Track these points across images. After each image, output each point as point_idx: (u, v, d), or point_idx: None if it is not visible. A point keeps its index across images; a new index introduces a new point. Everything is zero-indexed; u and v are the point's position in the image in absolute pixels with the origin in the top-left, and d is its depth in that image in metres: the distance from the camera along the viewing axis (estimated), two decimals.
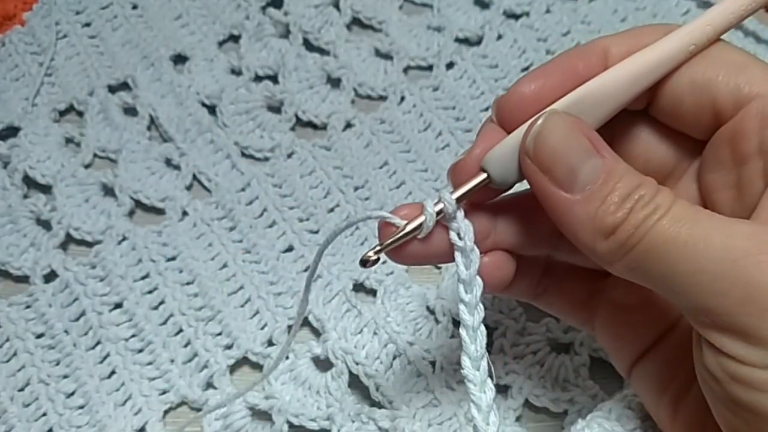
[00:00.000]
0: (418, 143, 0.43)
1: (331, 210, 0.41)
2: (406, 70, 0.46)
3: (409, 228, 0.26)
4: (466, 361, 0.26)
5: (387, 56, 0.46)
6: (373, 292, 0.38)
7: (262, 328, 0.37)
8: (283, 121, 0.44)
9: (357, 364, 0.36)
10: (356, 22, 0.48)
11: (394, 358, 0.36)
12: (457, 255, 0.27)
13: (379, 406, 0.35)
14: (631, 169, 0.24)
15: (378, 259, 0.26)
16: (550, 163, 0.24)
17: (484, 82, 0.45)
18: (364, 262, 0.26)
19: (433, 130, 0.43)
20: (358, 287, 0.38)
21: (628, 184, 0.24)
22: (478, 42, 0.47)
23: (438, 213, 0.26)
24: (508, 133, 0.26)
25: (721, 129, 0.26)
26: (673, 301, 0.24)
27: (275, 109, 0.44)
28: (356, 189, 0.41)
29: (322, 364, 0.36)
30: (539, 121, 0.25)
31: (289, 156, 0.42)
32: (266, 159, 0.42)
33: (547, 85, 0.26)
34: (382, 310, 0.37)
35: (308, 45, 0.47)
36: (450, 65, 0.46)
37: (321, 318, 0.37)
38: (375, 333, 0.37)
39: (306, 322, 0.37)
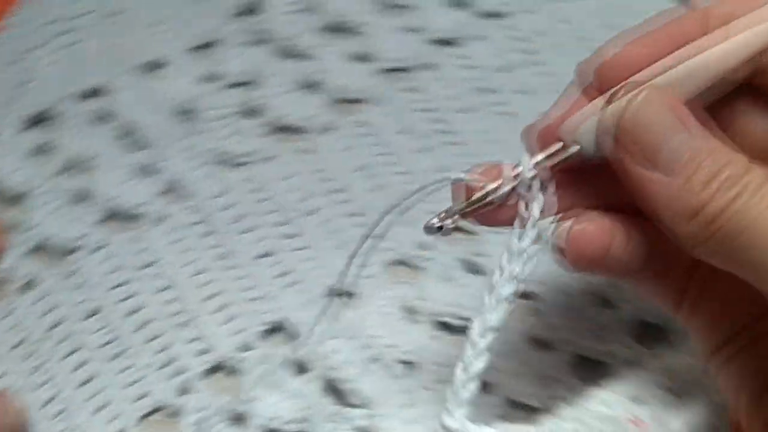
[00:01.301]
0: (398, 145, 0.43)
1: (311, 214, 0.41)
2: (384, 72, 0.46)
3: (479, 194, 0.25)
4: (476, 326, 0.26)
5: (365, 58, 0.46)
6: (350, 295, 0.38)
7: (238, 333, 0.37)
8: (261, 125, 0.43)
9: (333, 368, 0.35)
10: (333, 25, 0.48)
11: (372, 361, 0.36)
12: (516, 225, 0.26)
13: (357, 408, 0.35)
14: (721, 146, 0.23)
15: (442, 227, 0.25)
16: (631, 138, 0.23)
17: (463, 83, 0.45)
18: (430, 229, 0.25)
19: (412, 132, 0.43)
20: (335, 291, 0.38)
21: (715, 162, 0.22)
22: (457, 43, 0.47)
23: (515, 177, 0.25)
24: (589, 100, 0.25)
25: None
26: (761, 289, 0.23)
27: (253, 114, 0.44)
28: (336, 192, 0.41)
29: (299, 367, 0.36)
30: (621, 92, 0.24)
31: (268, 161, 0.42)
32: (244, 164, 0.42)
33: (635, 51, 0.25)
34: (360, 314, 0.37)
35: (285, 50, 0.46)
36: (429, 66, 0.46)
37: (297, 322, 0.37)
38: (352, 337, 0.36)
39: (281, 327, 0.37)
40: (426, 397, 0.35)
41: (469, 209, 0.25)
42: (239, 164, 0.42)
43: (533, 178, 0.25)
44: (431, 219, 0.25)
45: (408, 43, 0.47)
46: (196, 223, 0.40)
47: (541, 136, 0.26)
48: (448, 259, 0.39)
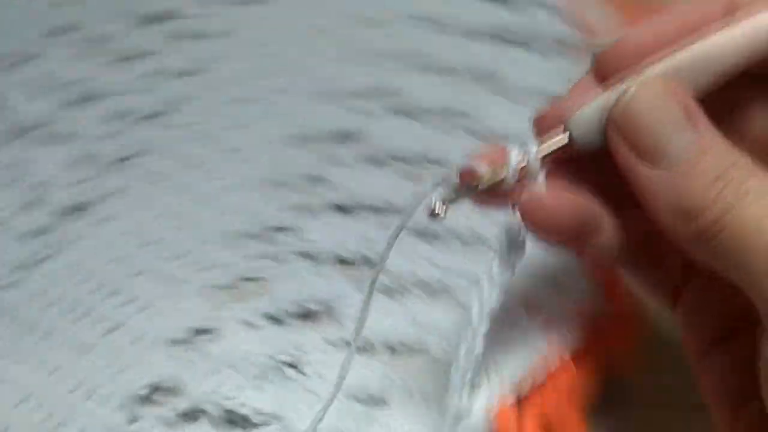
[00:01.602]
0: (185, 181, 0.44)
1: (138, 275, 0.40)
2: (144, 119, 0.46)
3: (487, 181, 0.25)
4: (475, 313, 0.27)
5: (123, 115, 0.46)
6: (211, 331, 0.38)
7: (120, 410, 0.36)
8: (49, 214, 0.42)
9: (227, 399, 0.36)
10: (81, 96, 0.47)
11: (258, 377, 0.36)
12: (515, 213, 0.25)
13: (266, 425, 0.35)
14: (729, 146, 0.22)
15: (446, 214, 0.25)
16: (636, 135, 0.22)
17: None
18: (435, 215, 0.25)
19: (191, 162, 0.44)
20: (198, 331, 0.38)
21: (721, 163, 0.22)
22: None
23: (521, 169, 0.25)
24: (603, 88, 0.24)
25: None
26: (751, 297, 0.22)
27: (34, 205, 0.43)
28: (152, 245, 0.41)
29: (195, 415, 0.36)
30: (632, 88, 0.23)
31: (72, 243, 0.41)
32: (47, 258, 0.41)
33: (655, 37, 0.24)
34: (229, 342, 0.38)
35: (40, 135, 0.45)
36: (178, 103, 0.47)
37: (172, 375, 0.36)
38: (231, 366, 0.37)
39: (157, 387, 0.37)
40: (325, 387, 0.36)
41: (474, 193, 0.25)
42: (42, 260, 0.41)
43: (540, 167, 0.25)
44: (434, 204, 0.24)
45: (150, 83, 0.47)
46: (28, 330, 0.38)
47: (542, 122, 0.25)
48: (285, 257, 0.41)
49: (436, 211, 0.25)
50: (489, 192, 0.25)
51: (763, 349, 0.22)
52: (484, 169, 0.25)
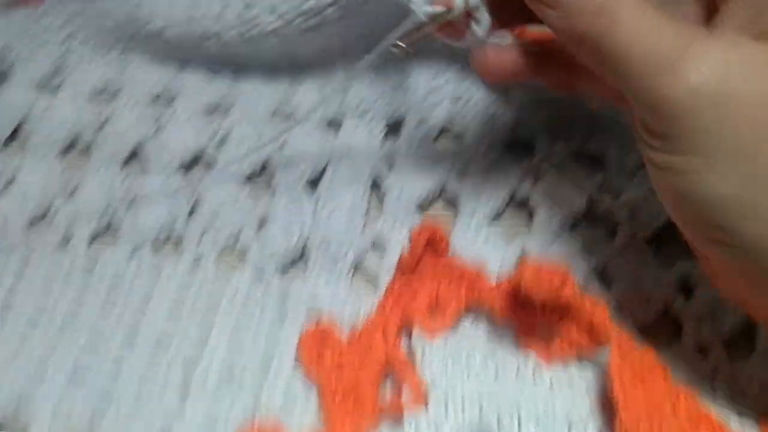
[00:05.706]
0: None
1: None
2: None
3: (440, 12, 0.34)
4: None
5: None
6: None
7: None
8: None
9: None
10: None
11: None
12: (469, 35, 0.35)
13: None
14: None
15: (404, 48, 0.35)
16: None
17: None
18: (397, 47, 0.34)
19: None
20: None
21: (598, 2, 0.31)
22: None
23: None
24: None
25: None
26: (629, 100, 0.31)
27: None
28: None
29: None
30: None
31: None
32: None
33: None
34: None
35: None
36: None
37: None
38: None
39: None
40: None
41: (433, 25, 0.34)
42: None
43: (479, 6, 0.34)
44: (399, 38, 0.34)
45: None
46: None
47: None
48: None
49: (400, 44, 0.35)
50: (445, 24, 0.35)
51: (639, 143, 0.32)
52: (440, 9, 0.34)
